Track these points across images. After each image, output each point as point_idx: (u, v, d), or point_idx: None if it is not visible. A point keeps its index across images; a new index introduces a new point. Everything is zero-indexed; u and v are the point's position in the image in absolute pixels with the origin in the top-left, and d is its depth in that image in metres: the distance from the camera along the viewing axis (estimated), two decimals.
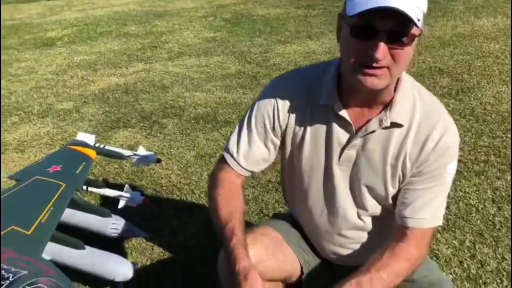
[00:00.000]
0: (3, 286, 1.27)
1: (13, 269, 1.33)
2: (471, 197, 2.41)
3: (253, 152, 1.32)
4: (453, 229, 2.19)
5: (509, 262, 1.96)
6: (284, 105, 1.27)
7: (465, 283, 1.87)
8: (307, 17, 6.65)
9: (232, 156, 1.32)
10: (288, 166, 1.37)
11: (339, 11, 1.13)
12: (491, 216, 2.26)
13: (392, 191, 1.26)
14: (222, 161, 1.35)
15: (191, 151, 3.12)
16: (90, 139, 2.43)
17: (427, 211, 1.22)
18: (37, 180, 2.09)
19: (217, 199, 1.27)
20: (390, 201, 1.29)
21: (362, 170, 1.25)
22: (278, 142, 1.33)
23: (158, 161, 2.33)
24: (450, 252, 2.05)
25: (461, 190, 2.47)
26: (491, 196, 2.40)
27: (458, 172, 2.59)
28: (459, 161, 2.69)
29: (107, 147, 2.39)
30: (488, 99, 3.52)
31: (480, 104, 3.44)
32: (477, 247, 2.06)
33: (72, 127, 3.61)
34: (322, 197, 1.33)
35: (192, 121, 3.58)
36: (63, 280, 1.44)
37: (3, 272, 1.32)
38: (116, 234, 1.98)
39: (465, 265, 1.97)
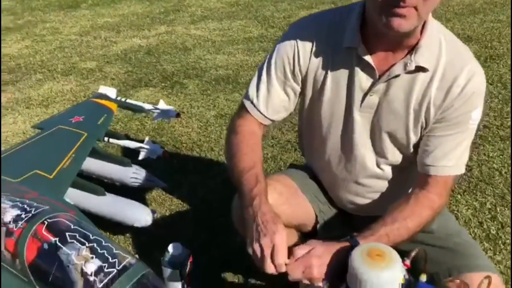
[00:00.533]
0: (24, 220, 1.30)
1: (35, 204, 1.37)
2: (495, 161, 2.36)
3: (272, 99, 1.29)
4: (475, 191, 2.15)
5: None
6: (304, 48, 1.24)
7: (484, 243, 1.85)
8: None
9: (252, 103, 1.30)
10: (307, 113, 1.34)
11: None
12: None
13: (414, 138, 1.24)
14: (242, 108, 1.33)
15: (211, 110, 3.12)
16: (111, 92, 2.45)
17: (450, 158, 1.20)
18: (60, 129, 2.13)
19: (239, 146, 1.26)
20: (411, 149, 1.26)
21: (384, 117, 1.22)
22: (298, 89, 1.30)
23: (178, 115, 2.33)
24: (470, 213, 2.02)
25: (484, 154, 2.42)
26: None
27: (483, 137, 2.56)
28: (485, 126, 2.65)
29: (128, 101, 2.41)
30: None
31: (509, 71, 3.33)
32: (498, 209, 2.03)
33: (94, 85, 3.64)
34: (340, 145, 1.31)
35: (213, 82, 3.56)
36: (84, 219, 1.47)
37: (25, 206, 1.35)
38: (137, 184, 2.01)
39: (485, 226, 1.94)
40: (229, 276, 1.78)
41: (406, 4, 0.99)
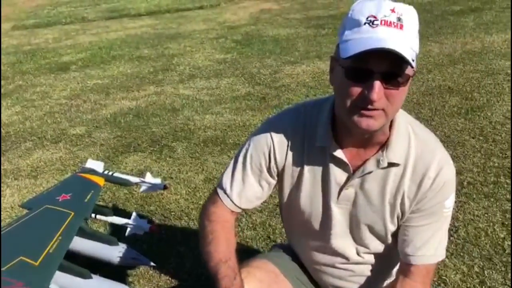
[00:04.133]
0: None
1: None
2: (480, 220, 2.38)
3: (246, 191, 1.32)
4: (462, 253, 2.16)
5: None
6: (280, 146, 1.27)
7: None
8: (317, 37, 6.69)
9: (225, 193, 1.33)
10: (286, 202, 1.37)
11: None
12: (501, 240, 2.23)
13: (392, 228, 1.27)
14: (215, 195, 1.36)
15: (200, 174, 3.15)
16: (99, 166, 2.48)
17: (429, 247, 1.23)
18: (47, 209, 2.14)
19: (214, 235, 1.29)
20: (390, 238, 1.29)
21: (361, 209, 1.26)
22: (273, 182, 1.33)
23: (165, 187, 2.36)
24: (458, 279, 2.02)
25: (470, 213, 2.44)
26: (500, 219, 2.38)
27: (467, 195, 2.59)
28: (468, 183, 2.69)
29: (115, 174, 2.43)
30: (498, 118, 3.49)
31: (490, 124, 3.42)
32: (486, 273, 2.04)
33: (84, 152, 3.67)
34: (320, 235, 1.33)
35: (201, 144, 3.61)
36: None
37: None
38: (123, 263, 2.00)
39: None
40: None
41: (374, 107, 1.04)
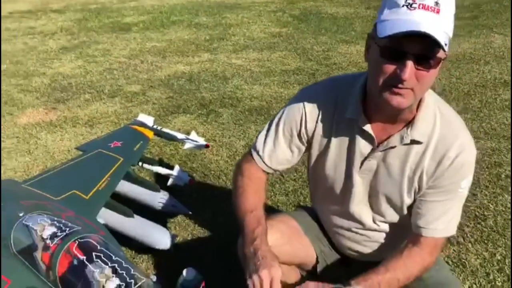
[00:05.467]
0: (59, 237, 1.50)
1: (69, 224, 1.56)
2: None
3: (277, 153, 1.43)
4: (486, 241, 2.20)
5: None
6: (312, 114, 1.37)
7: None
8: (375, 18, 6.59)
9: (258, 153, 1.44)
10: (313, 168, 1.48)
11: None
12: None
13: (408, 201, 1.35)
14: (249, 155, 1.48)
15: (241, 140, 3.30)
16: (149, 120, 2.67)
17: (440, 222, 1.31)
18: (100, 153, 2.35)
19: (244, 188, 1.41)
20: (405, 210, 1.38)
21: (381, 180, 1.34)
22: (303, 147, 1.44)
23: (207, 146, 2.51)
24: (478, 263, 2.07)
25: (502, 205, 2.45)
26: None
27: (503, 187, 2.60)
28: (506, 176, 2.68)
29: (163, 129, 2.62)
30: None
31: None
32: (507, 261, 2.07)
33: (137, 109, 3.90)
34: (341, 200, 1.44)
35: (246, 113, 3.75)
36: (110, 240, 1.65)
37: (61, 225, 1.55)
38: (163, 208, 2.19)
39: (491, 277, 1.99)
40: None
41: (404, 86, 1.11)
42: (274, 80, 4.47)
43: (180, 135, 2.58)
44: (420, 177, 1.29)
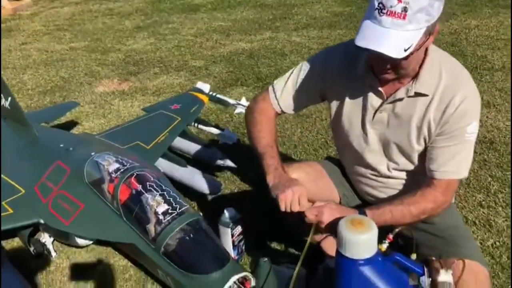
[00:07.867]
0: (121, 171, 1.82)
1: (130, 161, 1.88)
2: None
3: (292, 98, 1.64)
4: None
5: None
6: (330, 70, 1.56)
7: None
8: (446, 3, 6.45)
9: (275, 96, 1.65)
10: (333, 121, 1.68)
11: None
12: None
13: (417, 148, 1.50)
14: (267, 94, 1.68)
15: None
16: (206, 88, 2.96)
17: (450, 165, 1.45)
18: (161, 113, 2.68)
19: (262, 125, 1.63)
20: (416, 158, 1.53)
21: (392, 130, 1.51)
22: (318, 98, 1.64)
23: None
24: (505, 225, 2.16)
25: None
26: None
27: None
28: None
29: (217, 95, 2.89)
30: None
31: None
32: None
33: (199, 81, 4.19)
34: (359, 149, 1.62)
35: None
36: (164, 180, 1.95)
37: (124, 162, 1.87)
38: (213, 162, 2.47)
39: None
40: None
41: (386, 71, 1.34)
42: None
43: (232, 101, 2.84)
44: (429, 126, 1.44)
